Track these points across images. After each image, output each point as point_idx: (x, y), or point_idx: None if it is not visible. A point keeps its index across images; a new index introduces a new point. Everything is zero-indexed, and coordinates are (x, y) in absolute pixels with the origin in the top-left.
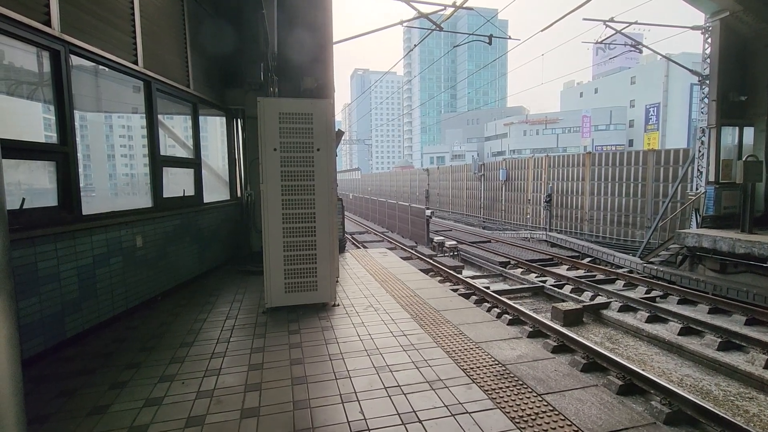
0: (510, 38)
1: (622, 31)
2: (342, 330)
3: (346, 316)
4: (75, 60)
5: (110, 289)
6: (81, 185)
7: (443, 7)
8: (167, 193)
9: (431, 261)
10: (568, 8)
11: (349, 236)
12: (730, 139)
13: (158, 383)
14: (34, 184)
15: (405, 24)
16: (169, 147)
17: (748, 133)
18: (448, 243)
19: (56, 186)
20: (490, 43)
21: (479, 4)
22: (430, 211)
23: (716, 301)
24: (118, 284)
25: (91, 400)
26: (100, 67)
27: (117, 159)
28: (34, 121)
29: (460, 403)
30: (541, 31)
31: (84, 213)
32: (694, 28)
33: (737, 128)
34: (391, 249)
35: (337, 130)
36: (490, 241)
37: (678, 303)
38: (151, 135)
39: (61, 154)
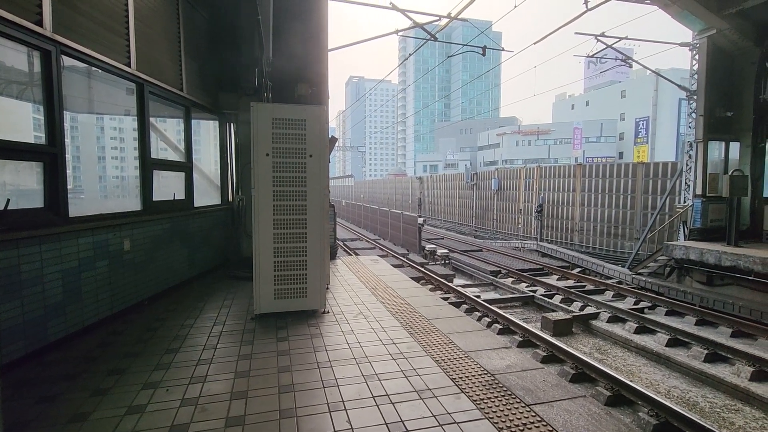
0: (503, 50)
1: (613, 46)
2: (331, 337)
3: (336, 323)
4: (67, 61)
5: (96, 292)
6: (69, 187)
7: (438, 18)
8: (157, 197)
9: (423, 269)
10: (561, 22)
11: (340, 243)
12: (716, 154)
13: (142, 390)
14: (20, 185)
15: (400, 33)
16: (160, 150)
17: (734, 148)
18: (440, 251)
19: (43, 187)
20: (483, 54)
21: (474, 15)
22: (422, 219)
23: (703, 313)
24: (104, 288)
25: (72, 407)
26: (93, 68)
27: (107, 161)
28: (23, 121)
29: (448, 413)
30: (534, 43)
31: (71, 215)
32: (682, 44)
33: (724, 143)
34: (382, 256)
35: (330, 136)
36: (481, 250)
37: (666, 314)
38: (142, 138)
39: (49, 155)
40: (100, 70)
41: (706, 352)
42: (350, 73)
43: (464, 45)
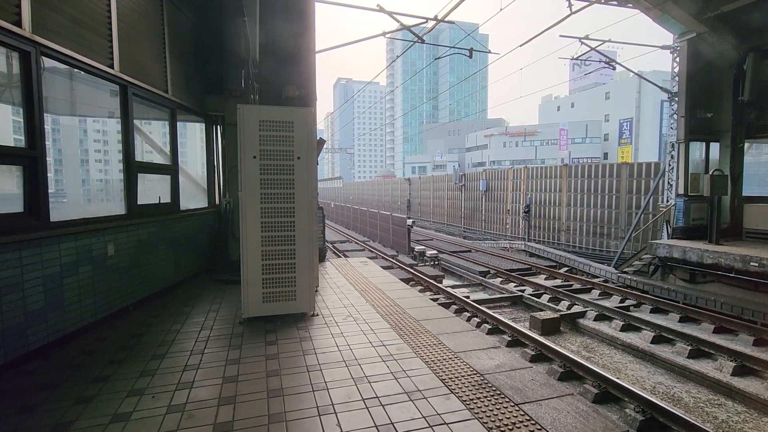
0: (490, 52)
1: (597, 49)
2: (320, 340)
3: (325, 326)
4: (47, 62)
5: (79, 299)
6: (51, 191)
7: (425, 20)
8: (142, 200)
9: (412, 270)
10: (546, 25)
11: (329, 245)
12: (697, 154)
13: (127, 398)
14: None
15: (388, 35)
16: (145, 153)
17: (714, 148)
18: (429, 252)
19: (23, 191)
20: (470, 57)
21: (461, 18)
22: (411, 220)
23: (686, 310)
24: (87, 294)
25: (53, 417)
26: (74, 70)
27: (91, 164)
28: (1, 124)
29: (438, 414)
30: (520, 46)
31: (52, 219)
32: (663, 47)
33: (704, 143)
34: (372, 258)
35: (318, 138)
36: (470, 251)
37: (650, 312)
38: (126, 140)
39: (29, 159)
40: (82, 72)
41: (689, 348)
42: (338, 75)
43: (451, 47)
